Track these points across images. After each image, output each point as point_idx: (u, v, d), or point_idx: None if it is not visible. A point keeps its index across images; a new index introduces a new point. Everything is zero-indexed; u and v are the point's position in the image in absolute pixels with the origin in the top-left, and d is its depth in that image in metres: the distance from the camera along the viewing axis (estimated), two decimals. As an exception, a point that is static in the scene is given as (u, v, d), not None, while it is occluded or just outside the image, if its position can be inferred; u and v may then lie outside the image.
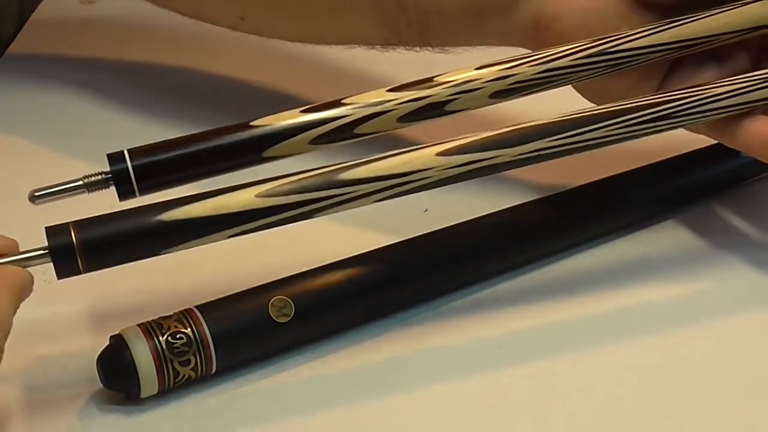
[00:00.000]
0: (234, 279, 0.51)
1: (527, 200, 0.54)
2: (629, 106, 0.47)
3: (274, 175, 0.44)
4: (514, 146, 0.46)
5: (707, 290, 0.51)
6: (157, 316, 0.44)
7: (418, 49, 0.58)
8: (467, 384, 0.45)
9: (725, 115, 0.48)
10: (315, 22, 0.59)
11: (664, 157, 0.56)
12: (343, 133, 0.46)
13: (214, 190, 0.43)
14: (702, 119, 0.48)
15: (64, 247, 0.41)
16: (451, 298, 0.50)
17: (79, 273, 0.42)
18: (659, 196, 0.56)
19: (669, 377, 0.46)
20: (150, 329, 0.43)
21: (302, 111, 0.46)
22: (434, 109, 0.47)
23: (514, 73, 0.47)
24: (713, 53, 0.51)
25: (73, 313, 0.48)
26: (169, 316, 0.44)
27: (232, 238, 0.44)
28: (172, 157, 0.45)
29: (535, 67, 0.48)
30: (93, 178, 0.44)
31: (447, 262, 0.50)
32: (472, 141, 0.45)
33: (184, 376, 0.43)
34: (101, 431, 0.43)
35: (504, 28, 0.53)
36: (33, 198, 0.43)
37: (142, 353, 0.42)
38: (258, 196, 0.43)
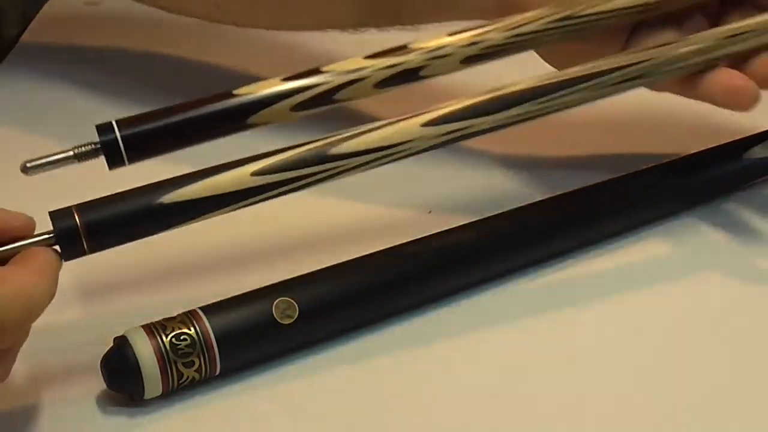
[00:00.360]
0: (238, 280, 0.51)
1: (528, 202, 0.54)
2: (600, 69, 0.49)
3: (265, 150, 0.45)
4: (495, 113, 0.47)
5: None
6: (160, 318, 0.44)
7: (389, 28, 0.59)
8: (467, 380, 0.45)
9: (690, 71, 0.51)
10: (290, 9, 0.61)
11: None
12: (323, 99, 0.47)
13: (210, 169, 0.44)
14: (668, 76, 0.51)
15: (69, 229, 0.42)
16: (455, 299, 0.50)
17: (84, 254, 0.43)
18: (669, 194, 0.56)
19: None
20: (154, 330, 0.43)
21: (283, 79, 0.47)
22: (408, 75, 0.49)
23: (485, 39, 0.50)
24: (672, 16, 0.53)
25: (77, 315, 0.48)
26: (173, 318, 0.44)
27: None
28: (160, 126, 0.46)
29: (506, 32, 0.50)
30: (83, 149, 0.45)
31: (451, 264, 0.50)
32: (454, 110, 0.47)
33: (188, 377, 0.43)
34: (105, 433, 0.43)
35: (473, 3, 0.55)
36: (26, 169, 0.44)
37: (145, 354, 0.42)
38: (253, 174, 0.44)
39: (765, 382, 0.46)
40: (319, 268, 0.47)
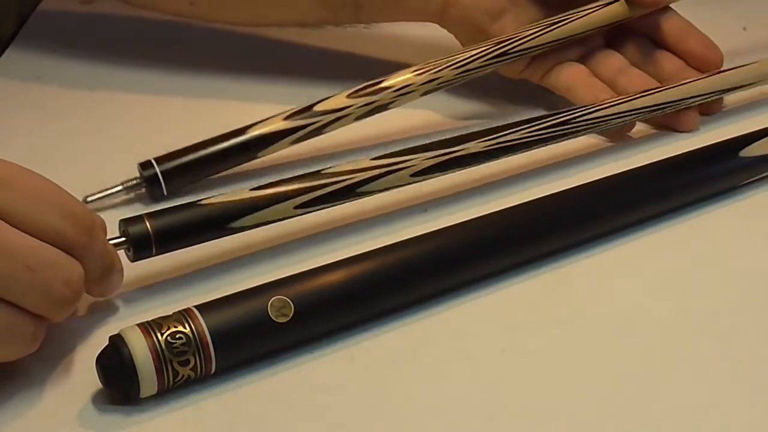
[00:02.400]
0: (233, 278, 0.51)
1: (518, 203, 0.54)
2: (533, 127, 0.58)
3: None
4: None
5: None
6: (156, 316, 0.44)
7: (347, 25, 0.70)
8: (464, 379, 0.45)
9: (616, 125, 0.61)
10: (261, 6, 0.68)
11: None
12: (315, 134, 0.59)
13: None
14: (603, 128, 0.61)
15: (141, 233, 0.49)
16: (451, 297, 0.50)
17: (151, 256, 0.49)
18: (665, 192, 0.56)
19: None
20: (149, 329, 0.43)
21: (285, 118, 0.59)
22: (380, 109, 0.60)
23: (440, 75, 0.61)
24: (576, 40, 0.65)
25: (72, 313, 0.48)
26: (169, 316, 0.44)
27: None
28: (189, 161, 0.57)
29: (455, 70, 0.61)
30: (130, 183, 0.56)
31: (446, 262, 0.50)
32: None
33: (183, 376, 0.43)
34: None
35: (420, 7, 0.66)
36: (86, 201, 0.55)
37: (141, 353, 0.42)
38: (296, 207, 0.52)
39: (760, 382, 0.46)
40: (314, 266, 0.47)
